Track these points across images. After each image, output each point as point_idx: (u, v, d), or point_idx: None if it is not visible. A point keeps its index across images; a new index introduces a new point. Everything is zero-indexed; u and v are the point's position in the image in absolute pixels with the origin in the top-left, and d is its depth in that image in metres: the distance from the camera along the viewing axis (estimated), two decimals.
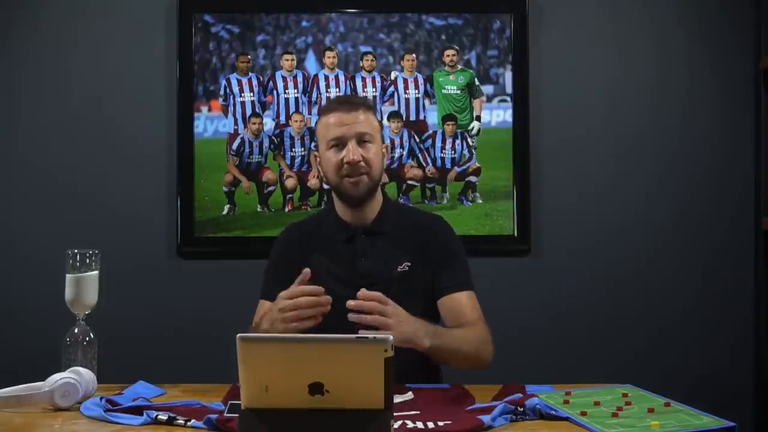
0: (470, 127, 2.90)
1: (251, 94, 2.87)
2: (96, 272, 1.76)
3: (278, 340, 1.29)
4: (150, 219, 2.86)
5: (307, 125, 2.88)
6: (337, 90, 2.88)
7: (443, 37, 2.91)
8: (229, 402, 1.49)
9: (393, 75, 2.89)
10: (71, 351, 1.71)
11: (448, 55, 2.90)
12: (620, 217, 2.91)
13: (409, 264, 1.93)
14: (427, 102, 2.90)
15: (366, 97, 2.84)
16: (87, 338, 1.73)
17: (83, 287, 1.73)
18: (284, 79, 2.88)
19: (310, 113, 2.88)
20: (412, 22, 2.91)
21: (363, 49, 2.90)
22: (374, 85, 2.89)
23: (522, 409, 1.46)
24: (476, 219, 2.89)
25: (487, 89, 2.91)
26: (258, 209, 2.88)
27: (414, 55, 2.89)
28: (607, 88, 2.92)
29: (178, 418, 1.43)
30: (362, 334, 1.34)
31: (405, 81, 2.89)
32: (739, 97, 2.92)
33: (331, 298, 1.64)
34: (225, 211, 2.87)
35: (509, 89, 2.90)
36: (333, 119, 1.89)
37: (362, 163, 1.87)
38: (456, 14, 2.91)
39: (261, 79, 2.88)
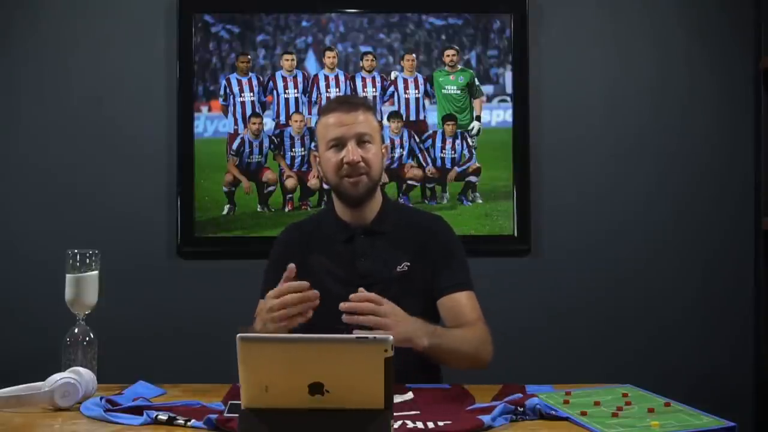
0: (470, 127, 2.90)
1: (251, 94, 2.87)
2: (96, 272, 1.76)
3: (278, 340, 1.29)
4: (150, 219, 2.86)
5: (307, 125, 2.88)
6: (337, 90, 2.87)
7: (443, 37, 2.91)
8: (229, 402, 1.49)
9: (393, 75, 2.89)
10: (71, 351, 1.72)
11: (448, 55, 2.90)
12: (620, 217, 2.91)
13: (409, 264, 1.93)
14: (427, 102, 2.89)
15: (366, 97, 2.84)
16: (87, 338, 1.73)
17: (83, 287, 1.73)
18: (284, 79, 2.88)
19: (310, 113, 2.88)
20: (412, 22, 2.91)
21: (363, 49, 2.89)
22: (374, 85, 2.89)
23: (522, 409, 1.46)
24: (476, 219, 2.89)
25: (487, 89, 2.91)
26: (258, 209, 2.88)
27: (414, 55, 2.89)
28: (607, 88, 2.92)
29: (178, 418, 1.43)
30: (362, 334, 1.33)
31: (405, 81, 2.89)
32: (739, 97, 2.92)
33: (322, 294, 1.64)
34: (225, 211, 2.87)
35: (509, 89, 2.90)
36: (333, 119, 1.89)
37: (362, 164, 1.87)
38: (456, 14, 2.91)
39: (261, 79, 2.88)
